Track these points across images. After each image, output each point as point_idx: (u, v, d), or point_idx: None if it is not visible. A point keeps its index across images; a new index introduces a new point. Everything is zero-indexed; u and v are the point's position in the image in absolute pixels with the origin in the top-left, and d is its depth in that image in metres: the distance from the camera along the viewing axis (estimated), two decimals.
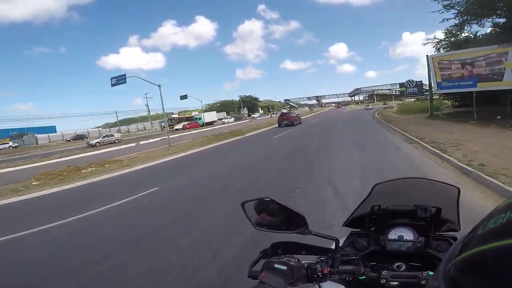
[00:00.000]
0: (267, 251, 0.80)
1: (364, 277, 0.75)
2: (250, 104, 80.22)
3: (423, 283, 0.70)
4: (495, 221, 0.27)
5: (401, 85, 72.15)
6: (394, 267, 0.76)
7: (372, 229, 0.87)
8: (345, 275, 0.75)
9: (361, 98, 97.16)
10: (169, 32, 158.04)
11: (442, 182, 0.80)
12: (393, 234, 0.83)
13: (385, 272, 0.73)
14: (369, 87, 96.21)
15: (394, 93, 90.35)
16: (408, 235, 0.82)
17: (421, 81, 68.78)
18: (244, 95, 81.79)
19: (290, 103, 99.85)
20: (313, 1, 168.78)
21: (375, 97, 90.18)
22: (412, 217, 0.82)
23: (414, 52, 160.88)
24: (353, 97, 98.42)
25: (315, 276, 0.72)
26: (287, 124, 22.35)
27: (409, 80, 73.57)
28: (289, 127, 20.77)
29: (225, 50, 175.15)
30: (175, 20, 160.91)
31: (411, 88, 73.05)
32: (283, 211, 0.77)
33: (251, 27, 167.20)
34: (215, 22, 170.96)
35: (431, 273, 0.71)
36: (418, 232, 0.81)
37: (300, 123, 23.62)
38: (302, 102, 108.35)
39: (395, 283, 0.71)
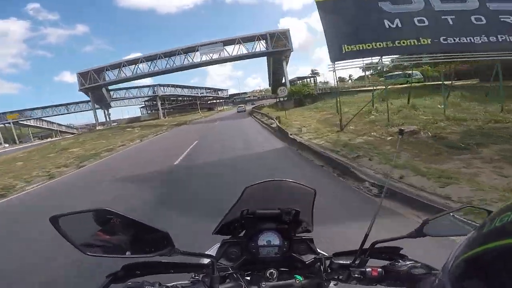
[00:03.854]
0: (117, 275, 0.59)
1: None
2: None
3: None
4: (501, 219, 0.27)
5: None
6: (267, 275, 0.71)
7: (241, 234, 0.81)
8: None
9: (143, 112, 54.89)
10: None
11: (301, 184, 0.79)
12: (262, 240, 0.78)
13: (264, 284, 0.68)
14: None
15: (200, 94, 54.65)
16: (275, 240, 0.78)
17: None
18: None
19: None
20: (114, 5, 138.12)
21: (160, 106, 48.12)
22: (278, 221, 0.78)
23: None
24: (106, 112, 48.34)
25: None
26: None
27: None
28: None
29: None
30: None
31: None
32: (134, 227, 0.55)
33: (5, 27, 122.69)
34: None
35: (300, 278, 0.70)
36: (283, 236, 0.78)
37: None
38: None
39: None
